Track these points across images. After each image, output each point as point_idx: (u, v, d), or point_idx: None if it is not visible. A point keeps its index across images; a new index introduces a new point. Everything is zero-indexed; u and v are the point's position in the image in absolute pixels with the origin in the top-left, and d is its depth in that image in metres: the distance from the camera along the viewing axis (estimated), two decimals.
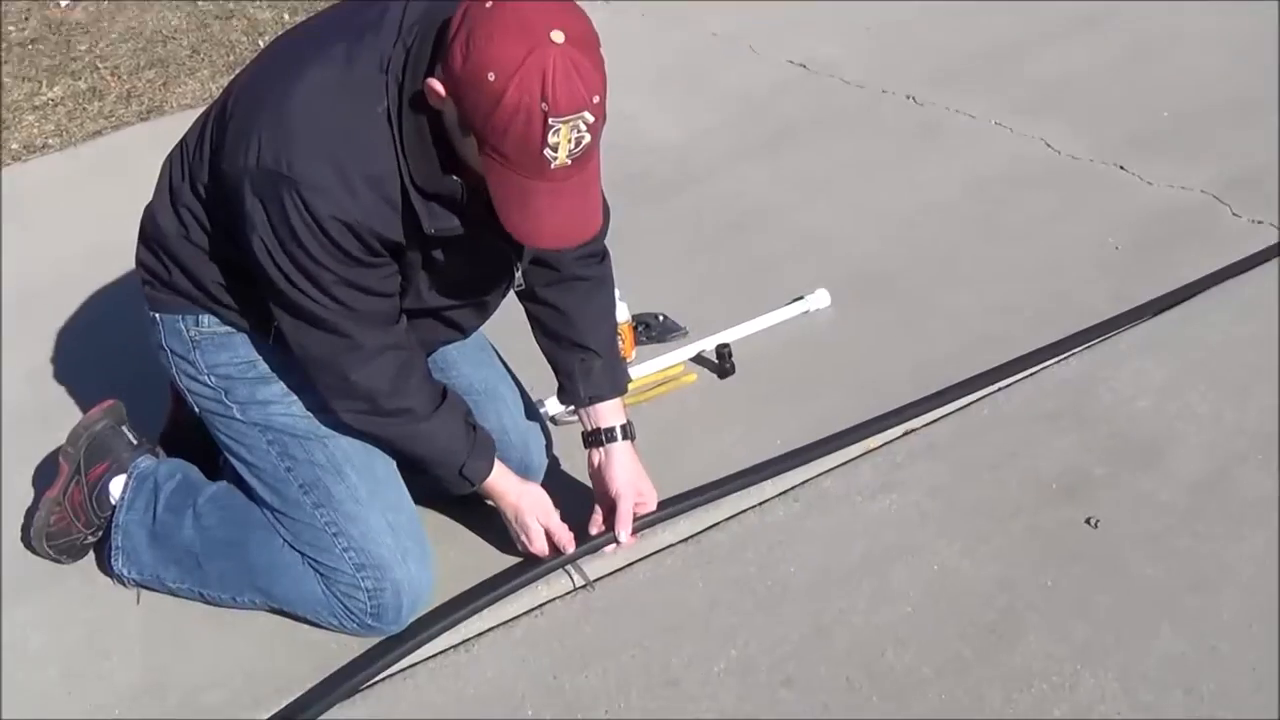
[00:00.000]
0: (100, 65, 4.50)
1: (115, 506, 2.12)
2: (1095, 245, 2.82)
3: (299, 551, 1.96)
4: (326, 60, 1.70)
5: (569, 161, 1.57)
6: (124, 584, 2.12)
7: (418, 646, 1.95)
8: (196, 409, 2.02)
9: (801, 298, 2.74)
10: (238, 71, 2.05)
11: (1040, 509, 2.10)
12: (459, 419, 1.93)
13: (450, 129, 1.65)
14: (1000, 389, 2.40)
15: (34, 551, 2.18)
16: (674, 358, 2.60)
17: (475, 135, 1.59)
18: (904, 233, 3.01)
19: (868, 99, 3.61)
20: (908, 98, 3.58)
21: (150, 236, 1.95)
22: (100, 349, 2.79)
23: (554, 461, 2.24)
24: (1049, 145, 3.25)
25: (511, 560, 2.09)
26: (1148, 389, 2.31)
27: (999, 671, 1.83)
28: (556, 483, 2.14)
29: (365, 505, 1.93)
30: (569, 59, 1.53)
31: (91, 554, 2.20)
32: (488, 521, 2.13)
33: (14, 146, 3.97)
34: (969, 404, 2.38)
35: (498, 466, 1.97)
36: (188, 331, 1.96)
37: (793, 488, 2.22)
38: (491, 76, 1.53)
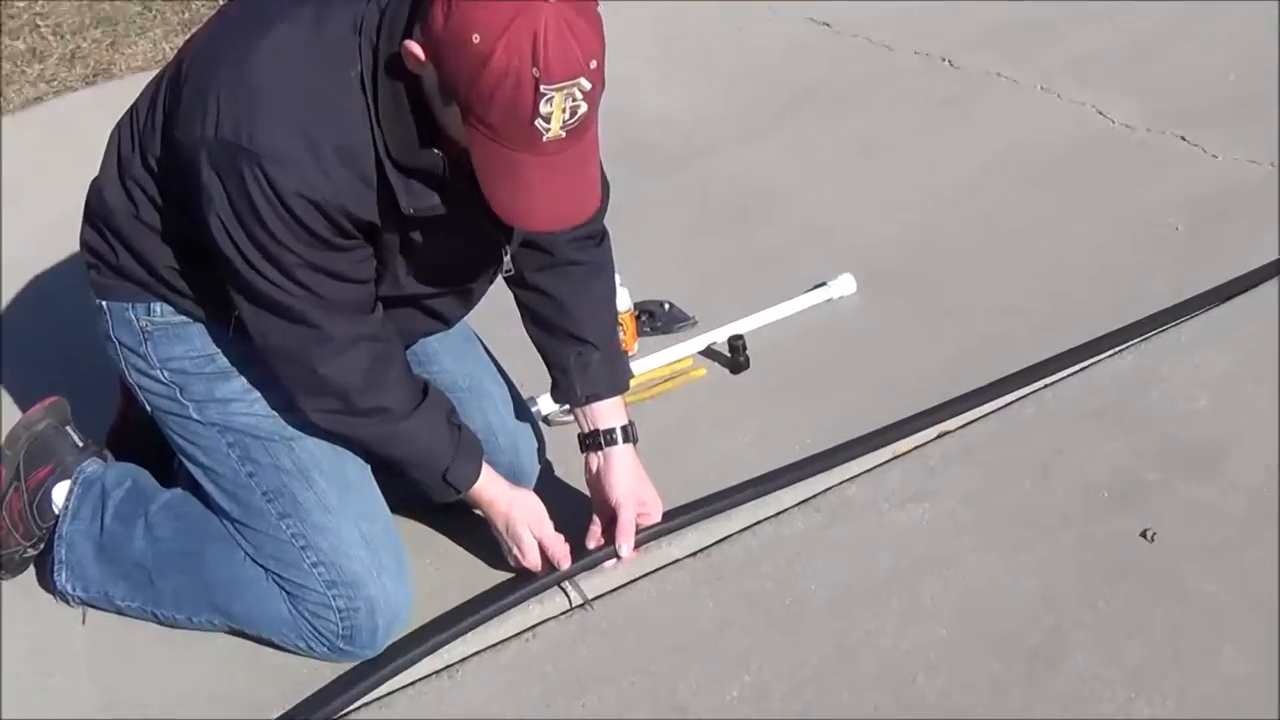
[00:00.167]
0: (40, 23, 4.50)
1: (58, 516, 2.12)
2: (1152, 225, 2.82)
3: (262, 566, 1.96)
4: (293, 19, 1.69)
5: (563, 134, 1.56)
6: (68, 602, 2.13)
7: (396, 672, 1.95)
8: (148, 407, 2.02)
9: (824, 284, 2.74)
10: (194, 31, 2.04)
11: (1089, 519, 2.10)
12: (442, 418, 1.93)
13: (430, 96, 1.64)
14: (1044, 386, 2.40)
15: None
16: (681, 350, 2.60)
17: (458, 104, 1.58)
18: (937, 212, 3.01)
19: (898, 62, 3.61)
20: (943, 60, 3.59)
21: (96, 214, 1.96)
22: (41, 340, 2.79)
23: (547, 466, 2.25)
24: (1101, 113, 3.25)
25: (501, 576, 2.10)
26: (1208, 386, 2.32)
27: (1042, 699, 1.83)
28: (551, 490, 2.14)
29: (336, 514, 1.94)
30: (563, 19, 1.52)
31: (32, 568, 2.20)
32: (474, 533, 2.13)
33: None
34: (1009, 403, 2.38)
35: (486, 471, 1.97)
36: (138, 321, 1.96)
37: (813, 496, 2.22)
38: (476, 38, 1.52)
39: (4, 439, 2.19)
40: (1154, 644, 1.88)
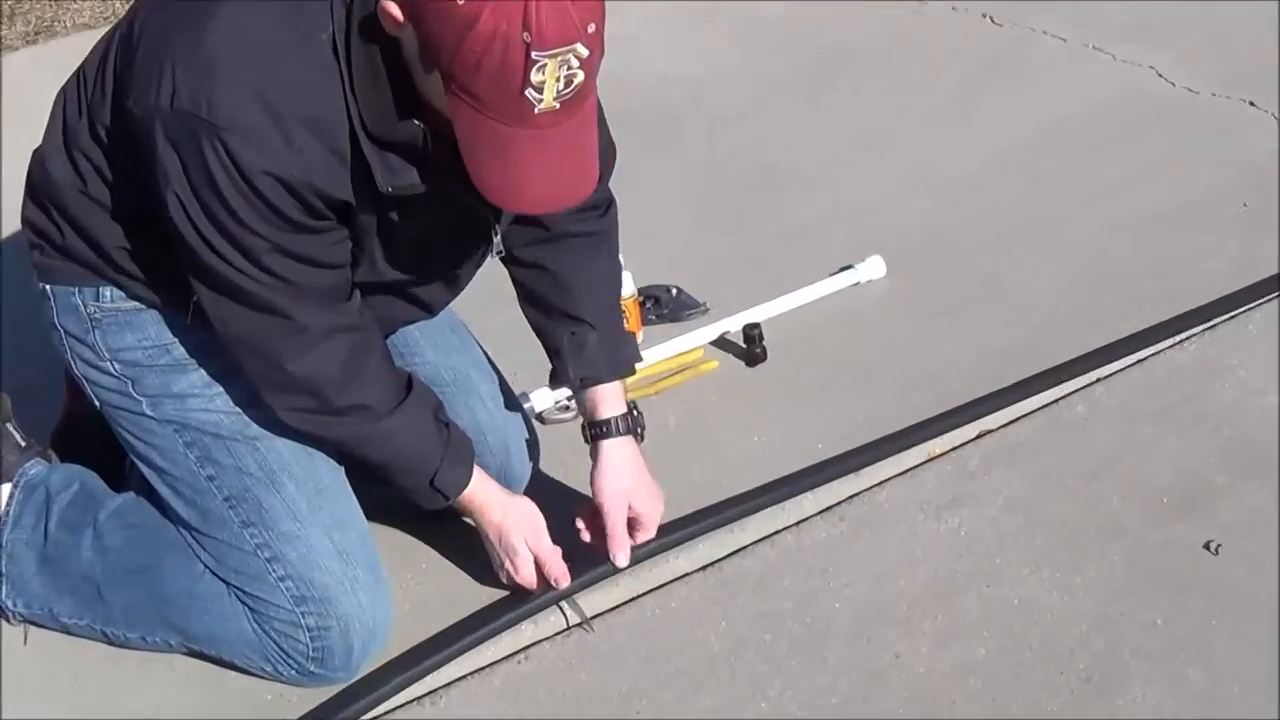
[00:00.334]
0: None
1: None
2: (1216, 201, 2.82)
3: (223, 580, 1.95)
4: None
5: (557, 105, 1.56)
6: (8, 619, 2.12)
7: (375, 704, 1.94)
8: (97, 403, 2.01)
9: (850, 267, 2.74)
10: None
11: (1147, 528, 2.10)
12: (428, 415, 1.93)
13: (410, 62, 1.64)
14: (1097, 380, 2.40)
15: None
16: (691, 340, 2.60)
17: (440, 71, 1.58)
18: (977, 187, 3.00)
19: (933, 17, 3.60)
20: (983, 16, 3.58)
21: (39, 189, 1.95)
22: None
23: (542, 469, 2.24)
24: (1160, 75, 3.25)
25: (491, 593, 2.09)
26: None
27: None
28: (547, 496, 2.13)
29: (306, 523, 1.93)
30: None
31: None
32: (461, 543, 2.13)
33: None
34: (1058, 398, 2.37)
35: (477, 475, 1.96)
36: (85, 307, 1.96)
37: (838, 503, 2.22)
38: None
39: None
40: (1219, 670, 1.87)
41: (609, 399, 2.04)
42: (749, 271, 2.81)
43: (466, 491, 1.97)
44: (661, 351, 2.56)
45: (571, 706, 1.94)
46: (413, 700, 1.97)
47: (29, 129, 2.05)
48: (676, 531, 2.11)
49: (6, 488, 2.13)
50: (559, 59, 1.53)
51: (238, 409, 1.94)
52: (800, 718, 1.89)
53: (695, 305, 2.70)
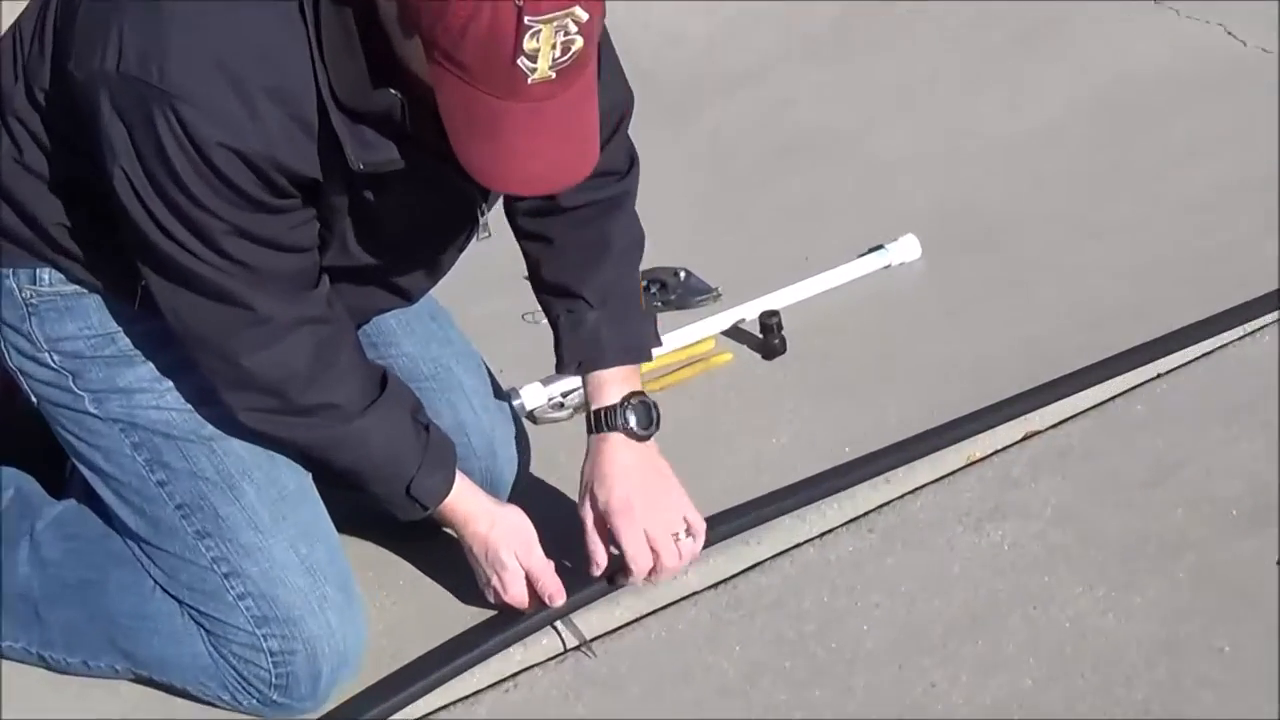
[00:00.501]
0: None
1: None
2: None
3: (175, 598, 1.95)
4: None
5: (553, 75, 1.55)
6: None
7: None
8: (34, 399, 2.00)
9: (881, 247, 2.74)
10: None
11: (1215, 543, 2.09)
12: (404, 415, 1.92)
13: (387, 25, 1.63)
14: (1158, 376, 2.39)
15: None
16: (701, 330, 2.60)
17: (422, 38, 1.57)
18: (1022, 157, 3.00)
19: None
20: None
21: None
22: None
23: (533, 475, 2.24)
24: (1230, 34, 3.24)
25: (476, 612, 2.09)
26: None
27: None
28: (539, 504, 2.11)
29: (268, 534, 1.93)
30: None
31: None
32: (442, 558, 2.12)
33: None
34: (1114, 396, 2.37)
35: (460, 481, 1.97)
36: (21, 291, 1.94)
37: (866, 513, 2.22)
38: None
39: None
40: None
41: (605, 387, 2.03)
42: (766, 252, 2.80)
43: (448, 500, 1.96)
44: (668, 343, 2.53)
45: None
46: None
47: None
48: None
49: None
50: (555, 24, 1.52)
51: (191, 406, 1.93)
52: None
53: (706, 290, 2.69)
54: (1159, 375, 2.40)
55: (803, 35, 3.44)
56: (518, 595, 2.01)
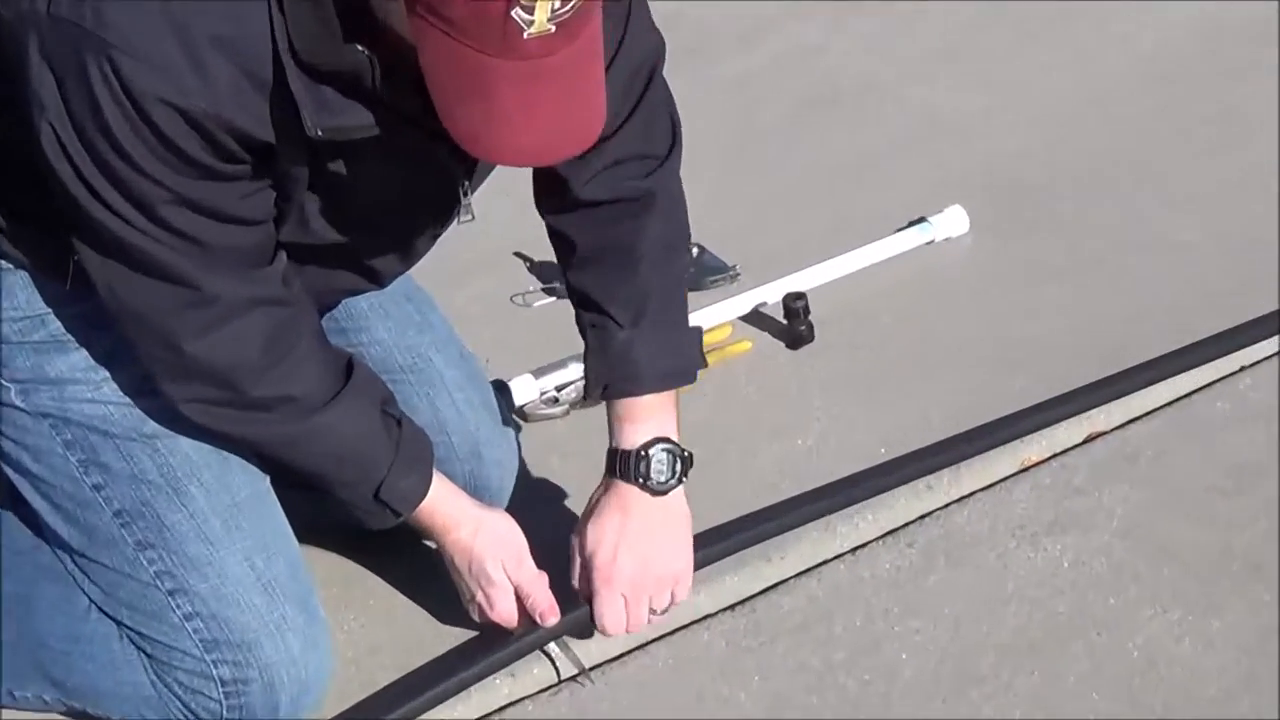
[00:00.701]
0: None
1: None
2: None
3: (113, 619, 1.95)
4: None
5: (552, 28, 1.53)
6: None
7: None
8: None
9: (922, 220, 2.74)
10: None
11: None
12: (373, 409, 1.92)
13: None
14: (1241, 369, 2.40)
15: None
16: (717, 314, 2.60)
17: None
18: (1084, 118, 2.99)
19: None
20: None
21: None
22: None
23: (524, 478, 2.24)
24: None
25: (458, 634, 2.09)
26: None
27: None
28: (531, 512, 2.11)
29: (219, 545, 1.92)
30: None
31: None
32: (420, 572, 2.13)
33: None
34: (1191, 392, 2.37)
35: (439, 483, 1.96)
36: None
37: (905, 524, 2.21)
38: None
39: None
40: None
41: (630, 423, 2.02)
42: (792, 225, 2.80)
43: (424, 504, 1.95)
44: None
45: None
46: None
47: None
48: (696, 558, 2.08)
49: None
50: None
51: (132, 399, 1.93)
52: None
53: (723, 269, 2.69)
54: (1242, 368, 2.40)
55: None
56: (505, 613, 2.00)
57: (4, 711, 2.04)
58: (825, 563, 2.17)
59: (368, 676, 2.05)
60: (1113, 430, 2.33)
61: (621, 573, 2.00)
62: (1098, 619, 2.05)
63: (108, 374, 1.92)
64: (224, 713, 1.92)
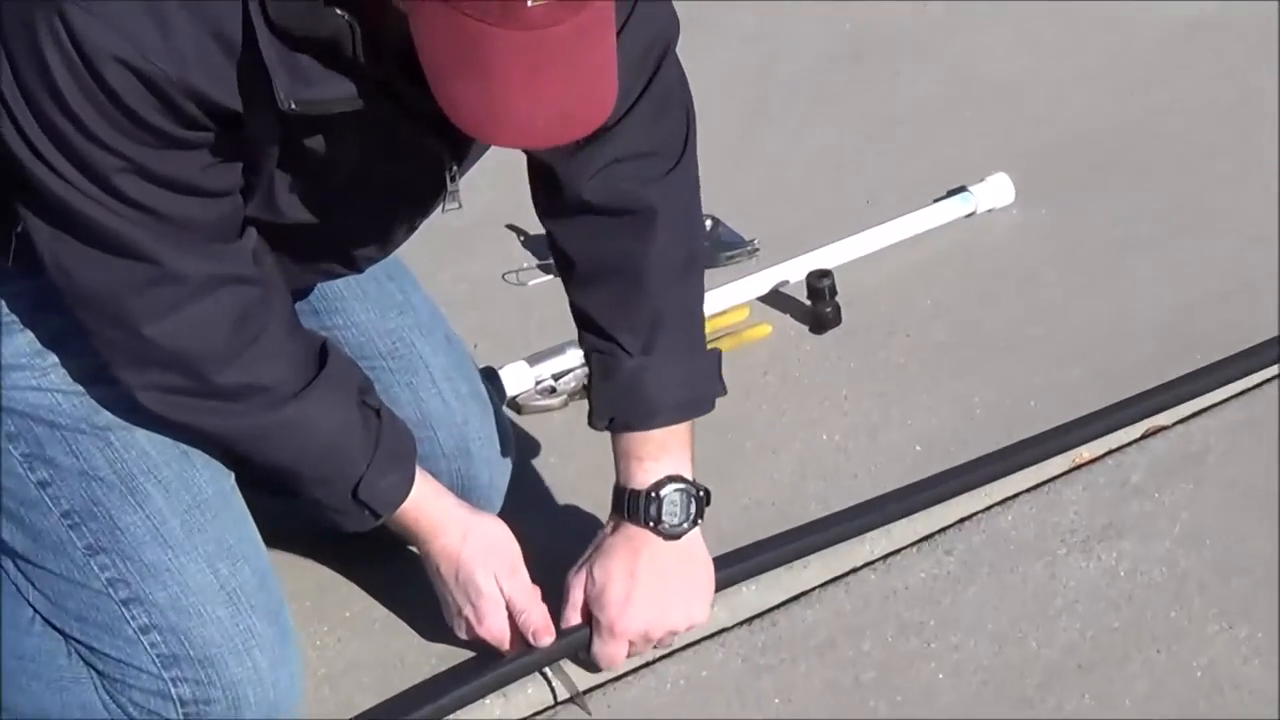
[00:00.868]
0: None
1: None
2: None
3: (61, 632, 1.94)
4: None
5: None
6: None
7: None
8: None
9: (964, 189, 2.74)
10: None
11: None
12: (348, 399, 1.92)
13: None
14: None
15: None
16: (733, 295, 2.60)
17: None
18: (1145, 75, 2.99)
19: None
20: None
21: None
22: None
23: (517, 478, 2.23)
24: None
25: (444, 653, 2.09)
26: None
27: None
28: (525, 517, 2.12)
29: (179, 550, 1.92)
30: None
31: None
32: (402, 582, 2.13)
33: None
34: (1261, 383, 2.37)
35: (423, 482, 1.98)
36: None
37: (943, 529, 2.22)
38: None
39: None
40: None
41: (638, 460, 2.03)
42: (816, 196, 2.80)
43: (407, 506, 1.96)
44: None
45: None
46: None
47: None
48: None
49: None
50: None
51: (83, 387, 1.93)
52: None
53: (740, 244, 2.69)
54: None
55: None
56: (495, 629, 2.01)
57: None
58: (853, 571, 2.17)
59: (344, 697, 2.05)
60: (1174, 425, 2.33)
61: (631, 626, 2.02)
62: (1158, 635, 2.05)
63: (55, 359, 1.92)
64: None
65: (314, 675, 2.03)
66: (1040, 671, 2.02)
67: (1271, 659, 2.00)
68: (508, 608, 2.00)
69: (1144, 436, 2.31)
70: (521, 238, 2.73)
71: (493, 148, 1.79)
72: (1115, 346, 2.45)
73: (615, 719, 2.03)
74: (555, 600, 2.02)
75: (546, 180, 2.00)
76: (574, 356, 2.41)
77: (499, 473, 2.20)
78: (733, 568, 2.12)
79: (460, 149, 1.84)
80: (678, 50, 1.95)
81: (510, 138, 1.65)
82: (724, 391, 2.09)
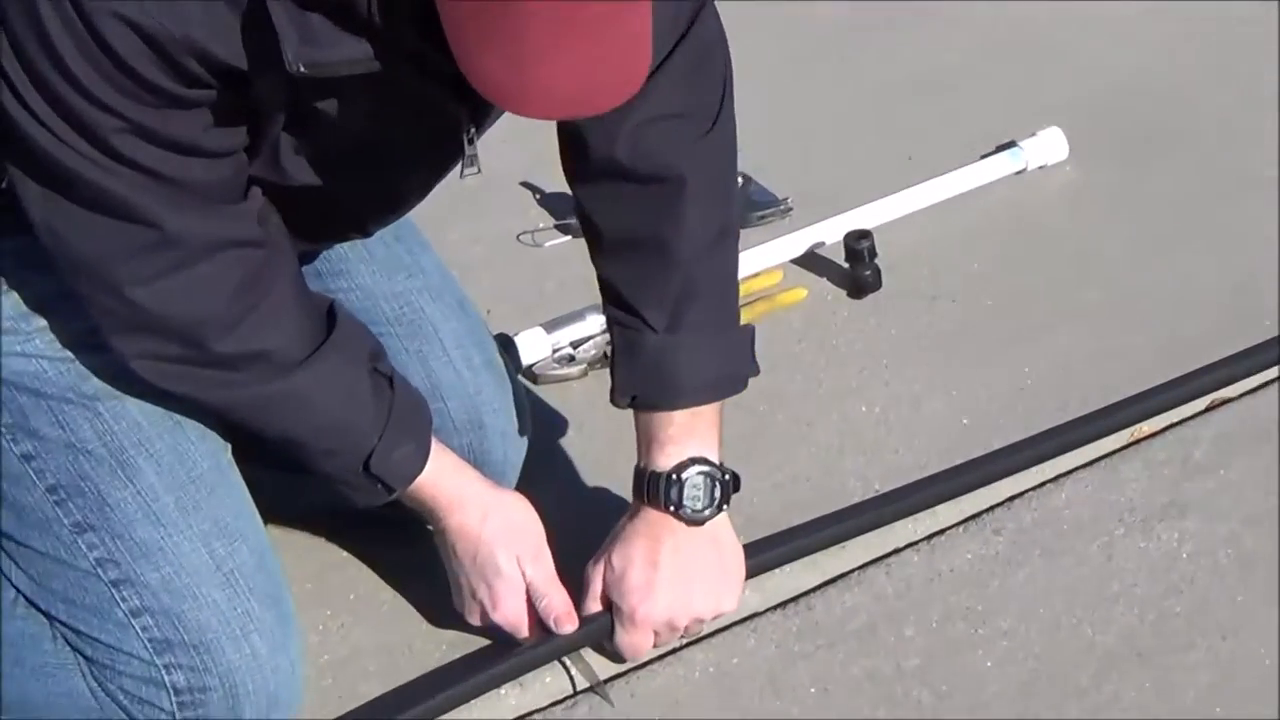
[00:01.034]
0: None
1: None
2: None
3: (47, 614, 1.95)
4: None
5: None
6: None
7: None
8: None
9: (1013, 145, 2.75)
10: None
11: None
12: (358, 366, 1.92)
13: None
14: None
15: None
16: (766, 257, 2.60)
17: None
18: (1205, 28, 2.99)
19: None
20: None
21: None
22: None
23: (533, 454, 2.23)
24: None
25: (456, 640, 2.10)
26: None
27: None
28: (540, 496, 2.10)
29: (173, 528, 1.92)
30: None
31: None
32: (412, 563, 2.13)
33: None
34: None
35: (440, 455, 1.98)
36: None
37: (991, 508, 2.22)
38: None
39: None
40: None
41: (661, 441, 2.03)
42: (854, 151, 2.80)
43: (422, 479, 1.96)
44: None
45: None
46: None
47: None
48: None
49: None
50: None
51: (71, 353, 1.93)
52: None
53: (773, 203, 2.70)
54: None
55: None
56: (512, 614, 2.01)
57: None
58: (895, 552, 2.17)
59: (348, 686, 2.06)
60: (1240, 398, 2.33)
61: (654, 614, 2.03)
62: (1222, 621, 2.05)
63: (42, 323, 1.93)
64: None
65: (316, 663, 2.04)
66: (1096, 660, 2.02)
67: None
68: (527, 593, 2.01)
69: (1208, 410, 2.31)
70: (538, 196, 2.73)
71: None
72: (1178, 314, 2.46)
73: (639, 710, 2.03)
74: (573, 588, 2.02)
75: (574, 142, 2.00)
76: (594, 323, 2.42)
77: (514, 448, 2.20)
78: (764, 554, 2.12)
79: (480, 112, 1.84)
80: None
81: (539, 108, 1.64)
82: (756, 371, 2.09)
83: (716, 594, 2.05)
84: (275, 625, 1.95)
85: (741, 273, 2.52)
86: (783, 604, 2.13)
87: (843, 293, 2.57)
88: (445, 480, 1.98)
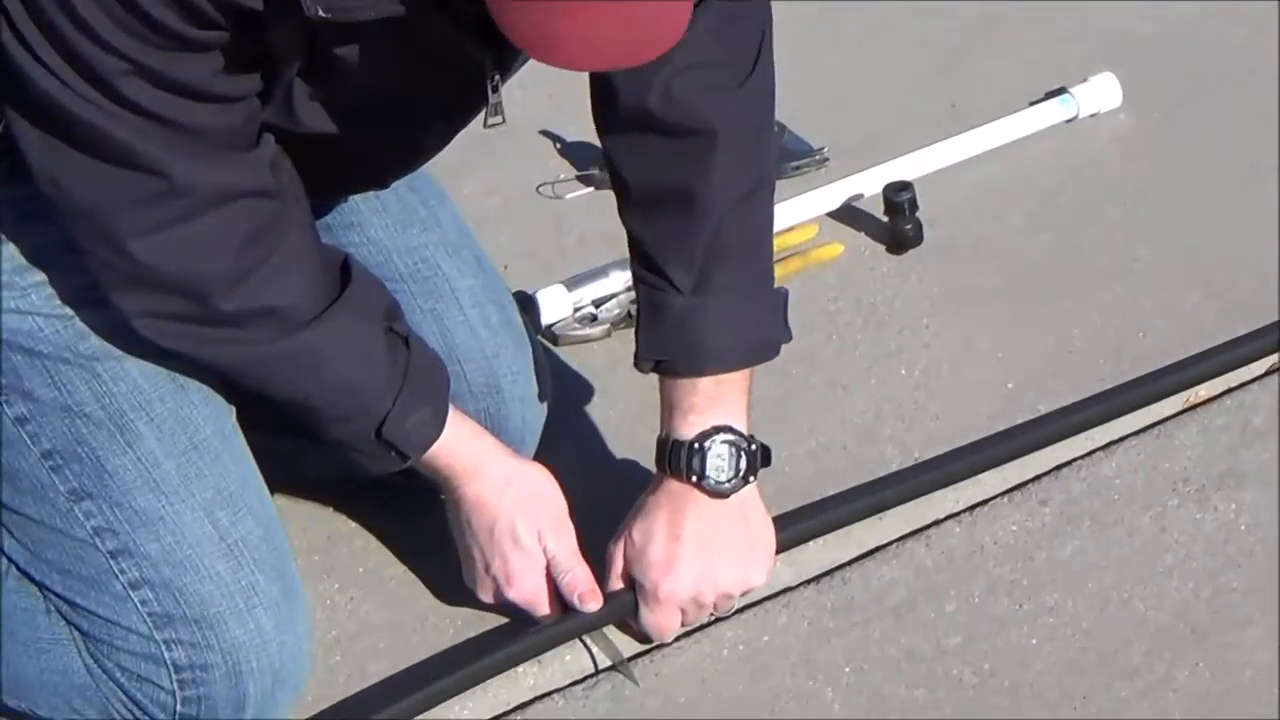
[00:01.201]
0: None
1: None
2: None
3: (41, 586, 1.96)
4: None
5: None
6: None
7: None
8: None
9: (1063, 91, 2.74)
10: None
11: None
12: (374, 325, 1.92)
13: None
14: None
15: None
16: (801, 210, 2.60)
17: None
18: None
19: None
20: None
21: None
22: None
23: (553, 419, 2.24)
24: None
25: (471, 617, 2.10)
26: None
27: None
28: (560, 466, 2.10)
29: (174, 496, 1.93)
30: None
31: None
32: (425, 535, 2.14)
33: None
34: None
35: (457, 421, 1.99)
36: None
37: (1037, 477, 2.22)
38: None
39: None
40: None
41: (684, 408, 2.03)
42: (894, 98, 2.79)
43: (438, 446, 1.97)
44: None
45: None
46: None
47: None
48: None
49: None
50: None
51: (70, 309, 1.94)
52: None
53: (809, 152, 2.70)
54: None
55: None
56: (529, 590, 2.02)
57: None
58: (936, 524, 2.18)
59: (357, 664, 2.07)
60: None
61: (678, 590, 2.03)
62: None
63: (39, 277, 1.93)
64: (178, 706, 1.93)
65: (323, 638, 2.05)
66: (1148, 637, 2.03)
67: None
68: (547, 568, 2.02)
69: (1268, 373, 2.32)
70: (559, 145, 2.73)
71: None
72: (1236, 272, 2.46)
73: (664, 689, 2.04)
74: (594, 565, 2.03)
75: (604, 92, 2.00)
76: (618, 280, 2.42)
77: (533, 413, 2.21)
78: (796, 526, 2.13)
79: (506, 58, 1.84)
80: None
81: (575, 58, 1.64)
82: (788, 337, 2.09)
83: (744, 568, 2.05)
84: (281, 599, 1.95)
85: (774, 227, 2.55)
86: (816, 578, 2.14)
87: (881, 248, 2.57)
88: (462, 447, 1.98)
